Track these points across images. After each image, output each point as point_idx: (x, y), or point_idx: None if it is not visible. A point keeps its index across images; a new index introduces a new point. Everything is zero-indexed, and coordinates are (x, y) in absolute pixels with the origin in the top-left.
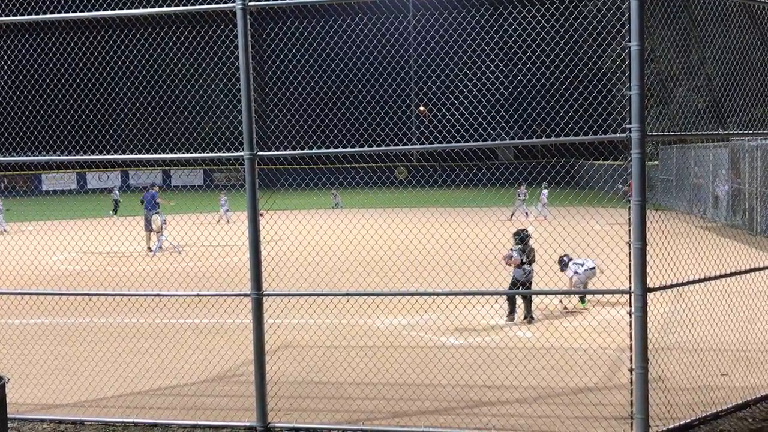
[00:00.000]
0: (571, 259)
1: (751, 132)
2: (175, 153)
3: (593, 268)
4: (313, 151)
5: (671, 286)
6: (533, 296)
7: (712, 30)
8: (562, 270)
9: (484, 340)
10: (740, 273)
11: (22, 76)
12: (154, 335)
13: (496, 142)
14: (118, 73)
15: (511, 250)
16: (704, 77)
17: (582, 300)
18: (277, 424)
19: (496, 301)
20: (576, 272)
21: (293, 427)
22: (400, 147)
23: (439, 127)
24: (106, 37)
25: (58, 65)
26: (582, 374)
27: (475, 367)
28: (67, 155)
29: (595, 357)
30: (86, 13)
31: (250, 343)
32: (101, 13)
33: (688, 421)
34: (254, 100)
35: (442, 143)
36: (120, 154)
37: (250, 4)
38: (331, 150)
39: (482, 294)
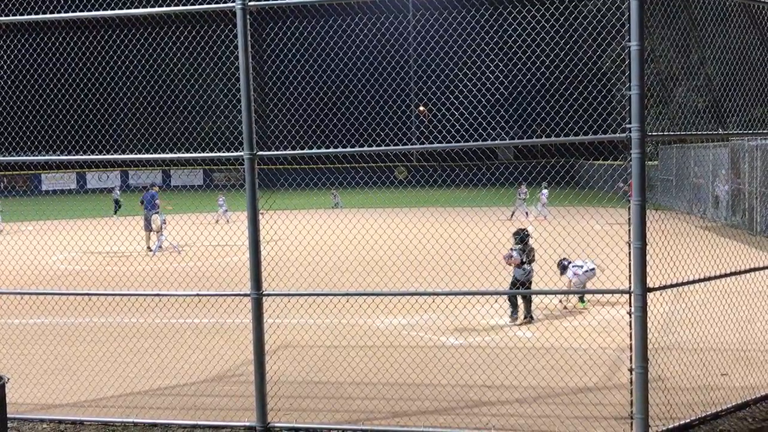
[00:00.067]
0: (570, 263)
1: (750, 132)
2: (175, 153)
3: (593, 269)
4: (313, 151)
5: (671, 286)
6: (533, 296)
7: (712, 30)
8: (561, 274)
9: (483, 340)
10: (740, 273)
11: (22, 76)
12: (154, 335)
13: (496, 142)
14: (118, 73)
15: (511, 249)
16: (704, 77)
17: (581, 300)
18: (276, 424)
19: (496, 301)
20: (576, 274)
21: (293, 427)
22: (400, 147)
23: (439, 127)
24: (106, 37)
25: (58, 65)
26: (582, 374)
27: (475, 367)
28: (66, 155)
29: (595, 357)
30: (86, 13)
31: (250, 343)
32: (101, 13)
33: (688, 420)
34: (254, 100)
35: (442, 143)
36: (120, 154)
37: (249, 3)
38: (331, 150)
39: (482, 294)
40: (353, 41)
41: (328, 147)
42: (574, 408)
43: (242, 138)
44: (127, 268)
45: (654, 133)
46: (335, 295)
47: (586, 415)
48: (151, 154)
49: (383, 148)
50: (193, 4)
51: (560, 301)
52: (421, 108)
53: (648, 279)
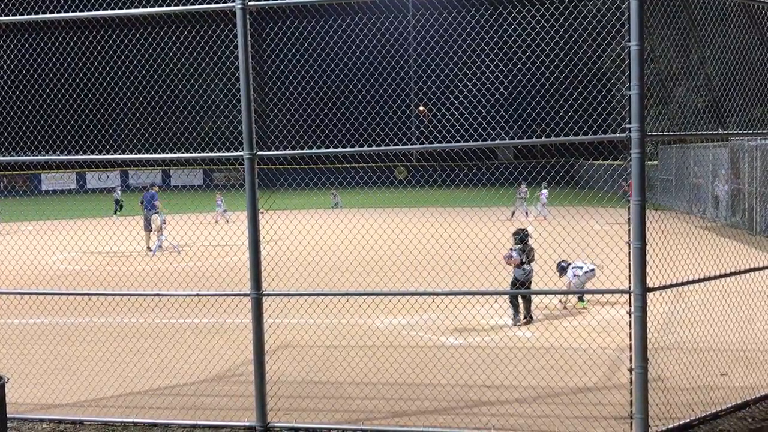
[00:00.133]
0: (569, 264)
1: (750, 132)
2: (175, 153)
3: (593, 269)
4: (313, 150)
5: (671, 286)
6: (533, 296)
7: (712, 30)
8: (561, 276)
9: (483, 339)
10: (740, 273)
11: (22, 76)
12: (154, 335)
13: (496, 142)
14: (118, 73)
15: (511, 249)
16: (704, 77)
17: (581, 299)
18: (276, 424)
19: (496, 301)
20: (576, 275)
21: (293, 427)
22: (400, 147)
23: (439, 127)
24: (106, 37)
25: (58, 65)
26: (582, 374)
27: (475, 367)
28: (66, 155)
29: (595, 357)
30: (86, 13)
31: (250, 343)
32: (101, 12)
33: (688, 420)
34: (254, 100)
35: (442, 143)
36: (120, 154)
37: (249, 3)
38: (331, 150)
39: (482, 294)
40: (353, 41)
41: (328, 147)
42: (573, 408)
43: (242, 138)
44: (126, 268)
45: (654, 133)
46: (335, 295)
47: (586, 415)
48: (151, 154)
49: (383, 148)
50: (193, 4)
51: (560, 301)
52: (421, 108)
53: (648, 279)
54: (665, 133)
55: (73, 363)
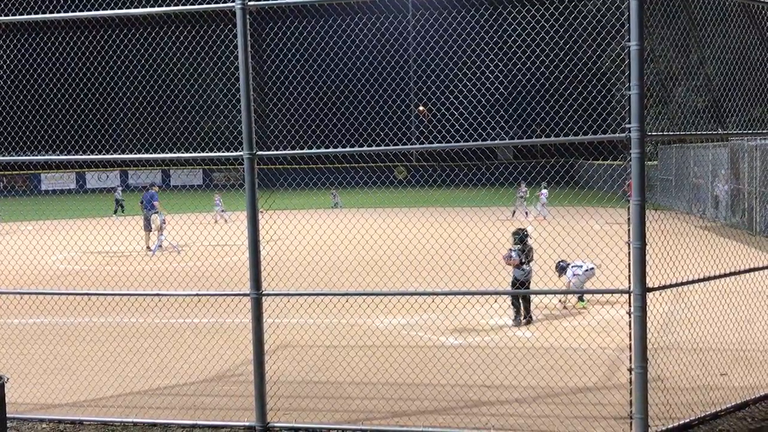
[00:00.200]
0: (568, 264)
1: (750, 132)
2: (175, 153)
3: (592, 268)
4: (313, 150)
5: (670, 286)
6: (532, 296)
7: (712, 30)
8: (560, 275)
9: (483, 339)
10: (739, 273)
11: (22, 76)
12: (154, 335)
13: (496, 141)
14: (118, 72)
15: (510, 250)
16: (704, 77)
17: (581, 299)
18: (276, 424)
19: (495, 301)
20: (575, 274)
21: (293, 427)
22: (400, 147)
23: (439, 127)
24: (106, 37)
25: (58, 65)
26: (581, 374)
27: (474, 367)
28: (66, 155)
29: (595, 357)
30: (86, 13)
31: (250, 343)
32: (101, 12)
33: (688, 420)
34: (254, 100)
35: (442, 143)
36: (119, 154)
37: (249, 3)
38: (331, 150)
39: (482, 294)
40: (353, 41)
41: (327, 147)
42: (573, 408)
43: (242, 138)
44: (126, 268)
45: (654, 133)
46: (335, 294)
47: (586, 415)
48: (151, 154)
49: (383, 148)
50: (192, 4)
51: (560, 301)
52: (421, 108)
53: (647, 279)
54: (665, 133)
55: (73, 363)
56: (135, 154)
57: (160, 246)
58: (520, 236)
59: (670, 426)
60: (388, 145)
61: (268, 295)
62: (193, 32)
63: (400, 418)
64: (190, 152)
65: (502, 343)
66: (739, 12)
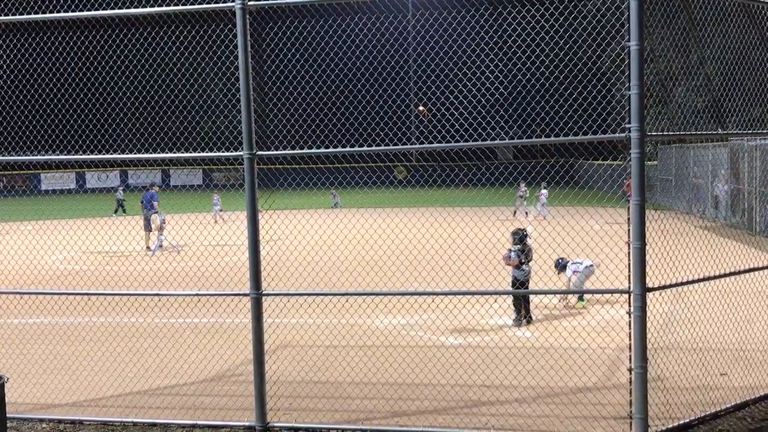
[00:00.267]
0: (567, 261)
1: (750, 132)
2: (175, 152)
3: (591, 265)
4: (313, 150)
5: (670, 286)
6: (532, 296)
7: (712, 30)
8: (559, 273)
9: (483, 339)
10: (739, 273)
11: (22, 76)
12: (153, 335)
13: (496, 141)
14: (118, 72)
15: (510, 250)
16: (703, 77)
17: (581, 299)
18: (276, 424)
19: (495, 301)
20: (575, 271)
21: (292, 427)
22: (400, 147)
23: (439, 127)
24: (106, 37)
25: (58, 65)
26: (581, 374)
27: (474, 367)
28: (66, 155)
29: (595, 357)
30: (86, 13)
31: (250, 343)
32: (101, 12)
33: (687, 420)
34: (253, 100)
35: (442, 143)
36: (119, 154)
37: (249, 3)
38: (331, 150)
39: (482, 294)
40: (353, 41)
41: (327, 147)
42: (573, 408)
43: (242, 138)
44: (126, 267)
45: (653, 133)
46: (334, 294)
47: (586, 415)
48: (151, 153)
49: (383, 148)
50: (192, 4)
51: (560, 300)
52: (421, 108)
53: (647, 279)
54: (665, 133)
55: (73, 363)
56: (135, 154)
57: (160, 246)
58: (520, 236)
59: (670, 426)
60: (388, 145)
61: (268, 294)
62: (193, 32)
63: (400, 418)
64: (190, 152)
65: (502, 343)
66: (739, 12)
